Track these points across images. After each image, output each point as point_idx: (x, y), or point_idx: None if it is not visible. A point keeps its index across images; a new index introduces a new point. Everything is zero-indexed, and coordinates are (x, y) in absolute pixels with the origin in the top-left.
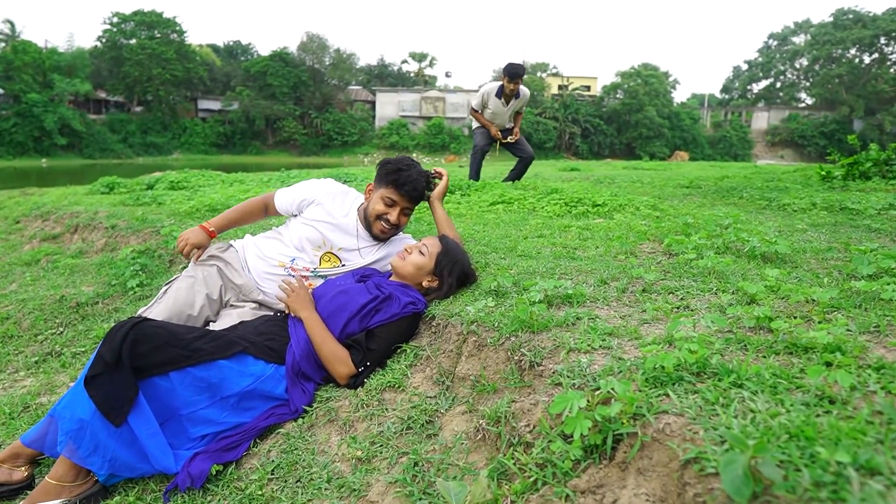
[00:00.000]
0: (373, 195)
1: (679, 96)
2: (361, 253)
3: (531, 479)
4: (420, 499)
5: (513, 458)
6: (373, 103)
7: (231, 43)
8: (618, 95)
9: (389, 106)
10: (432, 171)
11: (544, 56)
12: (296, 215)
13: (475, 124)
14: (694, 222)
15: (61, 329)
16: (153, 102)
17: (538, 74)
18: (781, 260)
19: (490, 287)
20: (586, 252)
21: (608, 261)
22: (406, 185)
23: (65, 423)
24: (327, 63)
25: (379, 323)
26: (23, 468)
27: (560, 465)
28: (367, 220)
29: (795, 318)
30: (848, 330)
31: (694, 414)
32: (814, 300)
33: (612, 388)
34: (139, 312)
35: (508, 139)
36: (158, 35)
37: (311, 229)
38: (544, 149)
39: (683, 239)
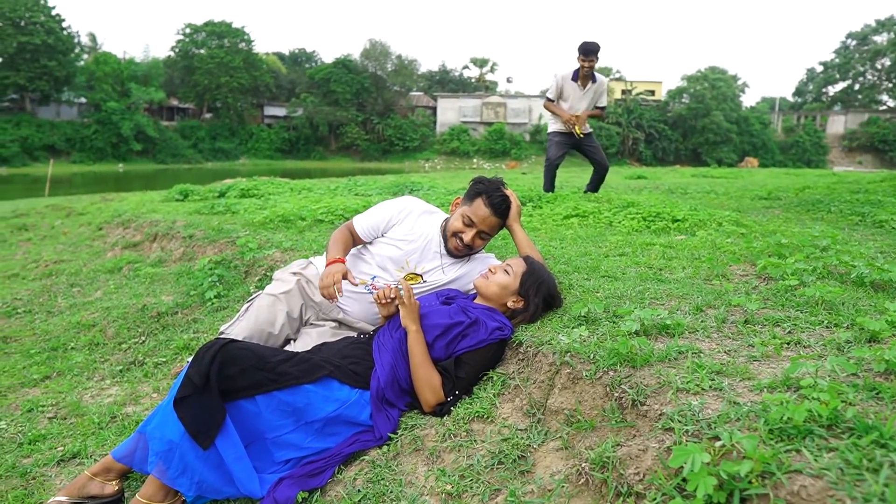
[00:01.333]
0: (456, 210)
1: (748, 100)
2: (444, 270)
3: None
4: None
5: None
6: (434, 109)
7: (296, 51)
8: (683, 100)
9: (450, 111)
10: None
11: (608, 61)
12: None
13: (551, 125)
14: (788, 242)
15: (143, 338)
16: (222, 109)
17: None
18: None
19: (580, 313)
20: (674, 273)
21: (699, 284)
22: (492, 200)
23: (155, 443)
24: (389, 69)
25: (466, 349)
26: (114, 482)
27: None
28: (445, 235)
29: None
30: None
31: (835, 477)
32: None
33: (737, 442)
34: (221, 329)
35: (579, 130)
36: (227, 44)
37: (393, 248)
38: (607, 154)
39: (779, 262)
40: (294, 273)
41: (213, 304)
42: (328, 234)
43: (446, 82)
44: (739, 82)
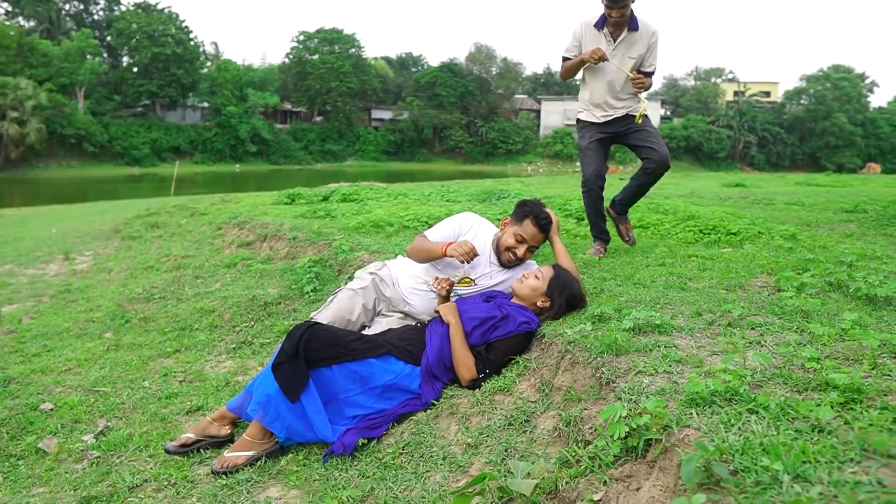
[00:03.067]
0: (507, 229)
1: (878, 100)
2: (492, 276)
3: (582, 467)
4: (500, 471)
5: (573, 451)
6: (538, 112)
7: (403, 55)
8: (802, 101)
9: (554, 114)
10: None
11: (719, 61)
12: None
13: (577, 136)
14: (814, 257)
15: (252, 323)
16: (331, 113)
17: (712, 80)
18: (886, 303)
19: (594, 313)
20: (699, 283)
21: (714, 293)
22: (539, 221)
23: (257, 395)
24: (494, 72)
25: (497, 338)
26: (227, 427)
27: (604, 458)
28: (499, 249)
29: (841, 359)
30: (871, 374)
31: (706, 429)
32: (885, 345)
33: (646, 405)
34: (311, 315)
35: (632, 112)
36: (338, 50)
37: None
38: (716, 159)
39: (792, 275)
40: (371, 273)
41: (309, 297)
42: (411, 240)
43: (551, 85)
44: (867, 81)
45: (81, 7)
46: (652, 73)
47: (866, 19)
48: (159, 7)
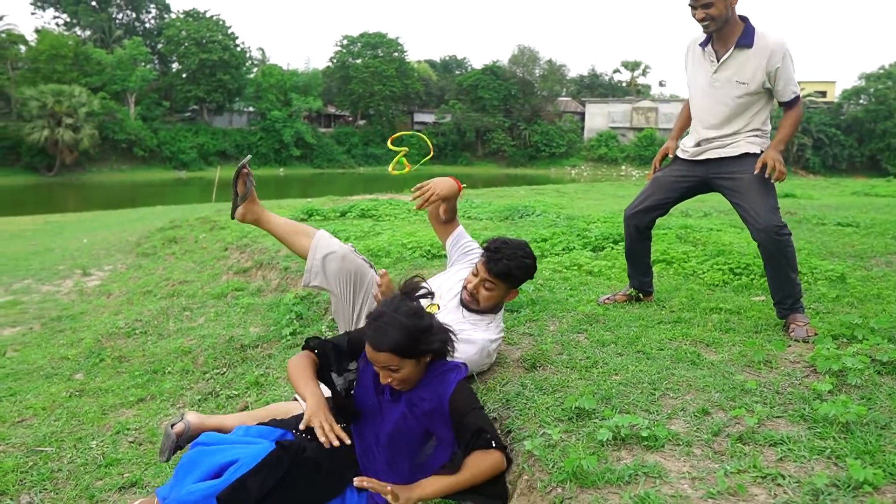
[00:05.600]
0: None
1: None
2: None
3: None
4: None
5: None
6: (582, 114)
7: (447, 58)
8: (860, 101)
9: (599, 117)
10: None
11: None
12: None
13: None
14: (863, 322)
15: (224, 369)
16: (374, 116)
17: None
18: None
19: (571, 406)
20: (717, 354)
21: (731, 374)
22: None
23: None
24: (537, 75)
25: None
26: None
27: None
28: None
29: None
30: None
31: None
32: None
33: None
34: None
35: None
36: (381, 54)
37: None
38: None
39: (834, 353)
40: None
41: (287, 340)
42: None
43: (595, 87)
44: None
45: (133, 16)
46: (793, 103)
47: None
48: (207, 14)
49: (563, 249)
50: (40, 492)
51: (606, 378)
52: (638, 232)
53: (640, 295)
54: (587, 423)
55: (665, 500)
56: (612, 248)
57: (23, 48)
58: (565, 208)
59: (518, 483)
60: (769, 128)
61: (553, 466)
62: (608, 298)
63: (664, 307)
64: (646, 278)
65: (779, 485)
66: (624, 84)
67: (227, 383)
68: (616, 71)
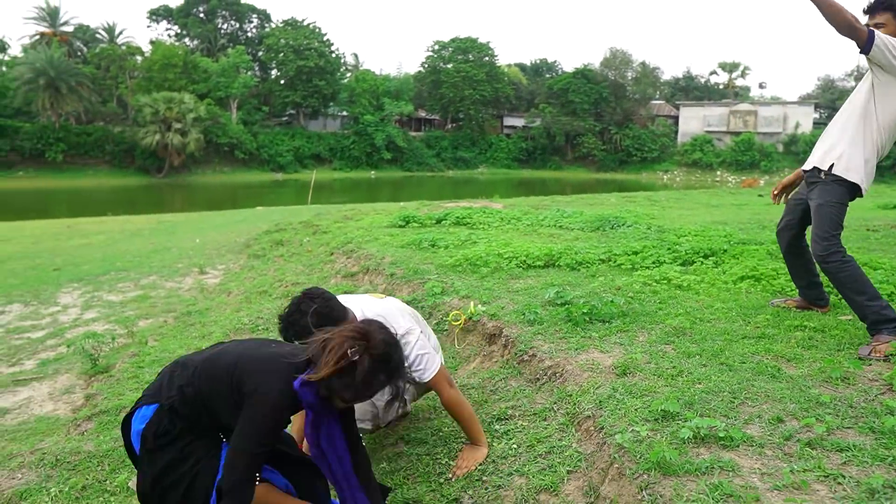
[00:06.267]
0: None
1: None
2: None
3: None
4: None
5: None
6: (676, 118)
7: (538, 61)
8: None
9: (693, 121)
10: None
11: None
12: None
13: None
14: None
15: None
16: (464, 120)
17: None
18: None
19: (658, 409)
20: (796, 369)
21: (808, 388)
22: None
23: None
24: (630, 77)
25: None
26: None
27: None
28: None
29: None
30: None
31: None
32: None
33: None
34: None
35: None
36: (472, 59)
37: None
38: (879, 168)
39: None
40: None
41: None
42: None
43: (690, 89)
44: None
45: (237, 25)
46: None
47: None
48: (305, 23)
49: (654, 263)
50: None
51: (690, 386)
52: (787, 247)
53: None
54: (671, 423)
55: (736, 488)
56: (702, 263)
57: (139, 59)
58: (656, 219)
59: (609, 470)
60: None
61: (640, 457)
62: (780, 301)
63: (749, 323)
64: (811, 290)
65: (839, 483)
66: (721, 86)
67: None
68: (713, 73)
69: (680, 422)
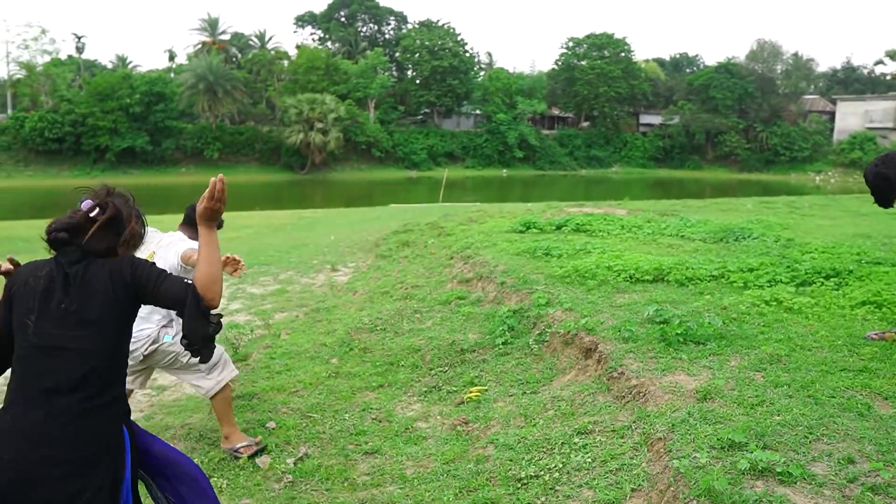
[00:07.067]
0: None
1: None
2: None
3: None
4: None
5: None
6: (831, 114)
7: (677, 56)
8: None
9: (853, 116)
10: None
11: None
12: None
13: None
14: None
15: (446, 368)
16: (598, 118)
17: None
18: None
19: (725, 437)
20: (892, 408)
21: (894, 429)
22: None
23: None
24: (779, 71)
25: None
26: None
27: None
28: None
29: None
30: None
31: None
32: None
33: None
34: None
35: None
36: (608, 55)
37: None
38: None
39: None
40: None
41: (499, 349)
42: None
43: (850, 82)
44: None
45: (375, 28)
46: None
47: None
48: (440, 23)
49: (768, 282)
50: (311, 447)
51: (768, 417)
52: None
53: None
54: (735, 453)
55: None
56: (822, 284)
57: (286, 62)
58: (789, 229)
59: (666, 493)
60: None
61: (694, 484)
62: (875, 335)
63: (853, 354)
64: None
65: None
66: (888, 77)
67: (448, 380)
68: (878, 62)
69: (744, 452)
